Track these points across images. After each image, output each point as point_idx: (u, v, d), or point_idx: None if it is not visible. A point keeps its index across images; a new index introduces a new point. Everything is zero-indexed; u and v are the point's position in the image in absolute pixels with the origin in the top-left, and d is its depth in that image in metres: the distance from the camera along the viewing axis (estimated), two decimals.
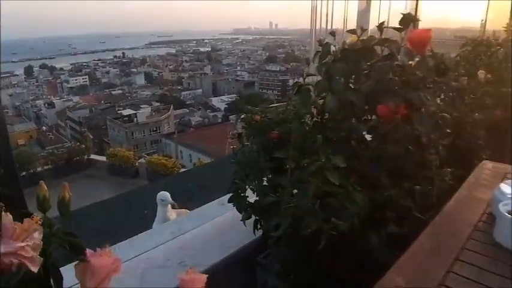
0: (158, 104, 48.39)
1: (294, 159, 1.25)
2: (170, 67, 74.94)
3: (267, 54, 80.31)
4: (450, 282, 0.79)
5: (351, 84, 1.43)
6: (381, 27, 1.35)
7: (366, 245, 1.11)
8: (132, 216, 4.81)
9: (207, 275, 0.68)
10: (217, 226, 1.90)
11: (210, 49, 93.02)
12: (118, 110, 44.43)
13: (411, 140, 1.22)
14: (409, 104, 1.24)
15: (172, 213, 2.61)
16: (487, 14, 5.53)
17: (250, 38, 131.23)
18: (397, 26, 1.34)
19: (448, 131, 1.48)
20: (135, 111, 41.60)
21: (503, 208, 0.90)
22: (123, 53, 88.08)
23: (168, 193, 2.53)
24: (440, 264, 0.85)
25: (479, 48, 3.36)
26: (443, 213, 1.06)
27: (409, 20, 1.34)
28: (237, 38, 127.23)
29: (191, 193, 4.92)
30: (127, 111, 42.29)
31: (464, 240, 0.93)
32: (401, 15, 1.35)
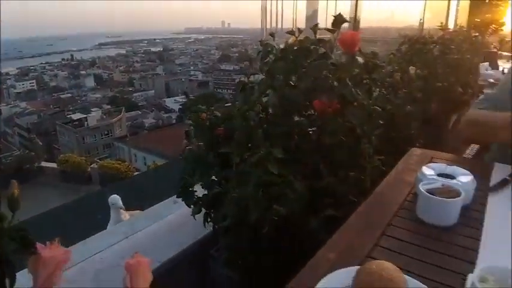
0: (109, 106, 47.08)
1: (238, 153, 1.33)
2: (121, 68, 72.89)
3: (221, 53, 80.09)
4: (376, 254, 0.89)
5: (291, 82, 1.52)
6: (314, 28, 1.46)
7: (306, 228, 1.21)
8: (85, 222, 4.71)
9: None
10: (170, 223, 1.94)
11: (161, 49, 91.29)
12: (67, 114, 42.96)
13: (345, 131, 1.34)
14: (342, 99, 1.36)
15: (125, 215, 2.65)
16: (424, 14, 5.90)
17: (203, 37, 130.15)
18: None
19: (381, 122, 1.61)
20: (86, 115, 40.35)
21: (422, 187, 1.02)
22: (72, 55, 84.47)
23: (118, 196, 2.60)
24: (368, 239, 0.95)
25: (416, 46, 3.60)
26: (374, 195, 1.17)
27: (340, 22, 1.45)
28: (189, 38, 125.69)
29: (145, 195, 4.89)
30: (77, 115, 40.94)
31: (390, 217, 1.05)
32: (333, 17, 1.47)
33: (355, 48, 1.36)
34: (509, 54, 4.38)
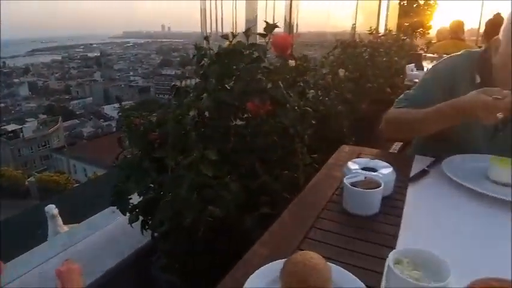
0: (45, 116, 44.61)
1: (172, 158, 1.34)
2: (56, 75, 69.40)
3: (161, 58, 78.55)
4: (305, 246, 0.94)
5: (226, 85, 1.56)
6: (247, 33, 1.50)
7: (242, 228, 1.24)
8: (24, 239, 4.46)
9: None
10: (109, 233, 1.90)
11: (99, 54, 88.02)
12: (1, 125, 40.10)
13: (278, 132, 1.39)
14: (275, 101, 1.41)
15: (63, 227, 2.59)
16: (356, 19, 6.21)
17: (142, 41, 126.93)
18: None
19: (314, 122, 1.68)
20: (21, 126, 38.02)
21: (347, 181, 1.09)
22: (4, 62, 78.92)
23: (52, 205, 2.57)
24: (298, 232, 1.00)
25: (347, 50, 3.79)
26: (305, 191, 1.23)
27: (272, 28, 1.51)
28: (128, 42, 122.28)
29: (85, 206, 4.70)
30: (11, 127, 38.51)
31: (319, 210, 1.10)
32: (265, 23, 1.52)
33: (287, 51, 1.42)
34: (433, 55, 4.72)
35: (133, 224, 1.50)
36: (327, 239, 0.98)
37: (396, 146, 2.00)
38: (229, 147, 1.46)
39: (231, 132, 1.51)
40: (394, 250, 0.77)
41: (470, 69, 1.48)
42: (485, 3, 9.47)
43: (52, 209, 2.56)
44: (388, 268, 0.73)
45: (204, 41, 1.72)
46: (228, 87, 1.52)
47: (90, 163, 24.26)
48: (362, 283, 0.76)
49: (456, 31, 5.12)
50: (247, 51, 1.52)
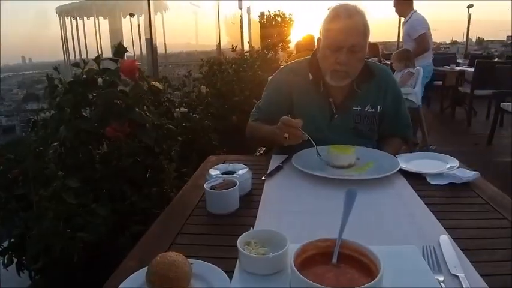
0: None
1: (35, 192, 1.29)
2: None
3: (25, 92, 71.34)
4: (172, 251, 1.01)
5: (84, 113, 1.55)
6: (97, 60, 1.53)
7: (116, 248, 1.25)
8: None
9: None
10: None
11: None
12: None
13: (141, 152, 1.44)
14: (134, 122, 1.46)
15: None
16: (220, 39, 6.53)
17: (2, 76, 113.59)
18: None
19: (180, 138, 1.77)
20: None
21: (207, 186, 1.19)
22: None
23: None
24: (166, 240, 1.06)
25: (214, 67, 3.99)
26: (172, 203, 1.30)
27: (122, 52, 1.56)
28: None
29: None
30: None
31: (186, 217, 1.18)
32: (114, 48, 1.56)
33: (135, 75, 1.48)
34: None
35: (9, 268, 1.40)
36: (193, 241, 1.06)
37: (261, 151, 2.19)
38: (96, 174, 1.46)
39: (95, 159, 1.51)
40: (242, 234, 0.88)
41: (305, 70, 1.78)
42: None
43: None
44: (238, 250, 0.84)
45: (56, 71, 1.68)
46: (86, 115, 1.53)
47: None
48: (220, 269, 0.85)
49: (309, 43, 5.74)
50: (104, 77, 1.55)
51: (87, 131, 1.46)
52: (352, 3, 1.67)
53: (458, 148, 5.25)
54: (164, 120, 1.60)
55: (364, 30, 1.64)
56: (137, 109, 1.42)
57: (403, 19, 5.13)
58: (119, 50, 1.53)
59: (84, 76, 1.54)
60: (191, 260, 0.86)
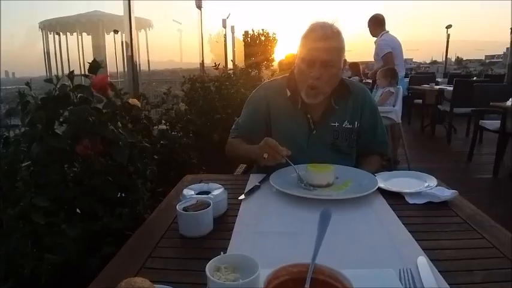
0: None
1: (3, 210, 1.23)
2: None
3: (7, 107, 70.15)
4: (141, 275, 0.96)
5: (56, 130, 1.50)
6: (70, 76, 1.49)
7: (87, 270, 1.20)
8: None
9: None
10: None
11: None
12: None
13: (114, 170, 1.39)
14: (106, 140, 1.41)
15: None
16: (203, 57, 6.54)
17: None
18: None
19: (155, 157, 1.73)
20: None
21: (179, 207, 1.15)
22: None
23: None
24: (135, 264, 1.01)
25: (196, 85, 3.97)
26: (145, 224, 1.25)
27: (96, 68, 1.53)
28: None
29: None
30: None
31: (158, 240, 1.13)
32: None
33: (107, 91, 1.45)
34: None
35: None
36: (164, 265, 1.02)
37: (241, 169, 2.16)
38: (69, 193, 1.40)
39: (66, 177, 1.45)
40: (211, 260, 0.84)
41: (283, 87, 1.81)
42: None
43: None
44: (207, 276, 0.80)
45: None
46: (59, 132, 1.48)
47: None
48: None
49: (291, 62, 5.79)
50: (76, 94, 1.51)
51: (60, 149, 1.41)
52: (330, 21, 1.69)
53: (439, 165, 5.32)
54: (140, 138, 1.56)
55: (339, 46, 1.65)
56: (111, 126, 1.38)
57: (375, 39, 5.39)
58: (93, 65, 1.50)
59: (57, 92, 1.50)
60: (158, 286, 0.82)
